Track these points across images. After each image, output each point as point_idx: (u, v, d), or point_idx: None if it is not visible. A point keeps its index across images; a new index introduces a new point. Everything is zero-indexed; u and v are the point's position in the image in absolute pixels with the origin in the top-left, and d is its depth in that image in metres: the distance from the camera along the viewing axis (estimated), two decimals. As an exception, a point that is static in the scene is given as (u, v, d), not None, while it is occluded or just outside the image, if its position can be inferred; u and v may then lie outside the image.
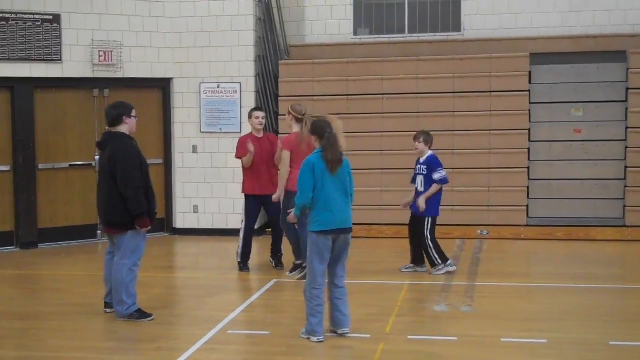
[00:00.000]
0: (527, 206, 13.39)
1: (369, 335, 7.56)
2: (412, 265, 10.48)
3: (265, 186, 10.58)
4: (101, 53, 13.08)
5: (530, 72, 13.45)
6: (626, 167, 13.15)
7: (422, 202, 10.19)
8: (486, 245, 12.60)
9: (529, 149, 13.42)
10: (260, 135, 10.74)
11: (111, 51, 13.16)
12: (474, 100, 13.46)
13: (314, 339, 7.40)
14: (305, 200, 7.39)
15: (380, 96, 13.63)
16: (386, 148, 13.54)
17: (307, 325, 7.50)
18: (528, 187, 13.39)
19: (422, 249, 10.39)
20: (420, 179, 10.32)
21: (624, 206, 13.14)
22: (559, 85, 13.47)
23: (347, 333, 7.52)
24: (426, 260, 10.39)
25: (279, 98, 13.89)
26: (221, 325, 7.98)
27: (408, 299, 9.13)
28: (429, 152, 10.33)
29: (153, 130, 13.88)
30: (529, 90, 13.41)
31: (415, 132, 10.65)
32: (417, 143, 10.32)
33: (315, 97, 13.70)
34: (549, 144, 13.50)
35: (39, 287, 10.61)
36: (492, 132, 13.35)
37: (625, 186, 13.13)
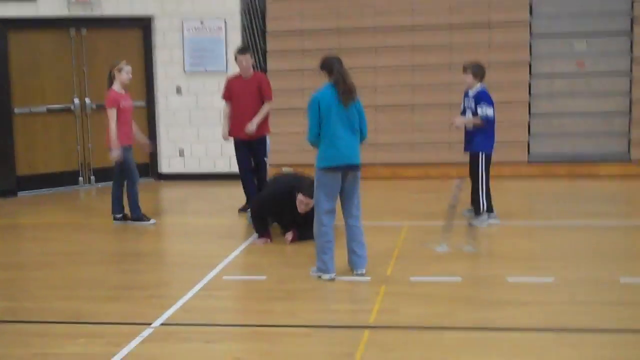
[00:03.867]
0: (528, 143, 13.40)
1: (369, 278, 7.58)
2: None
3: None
4: (77, -10, 12.89)
5: (530, 4, 13.34)
6: (631, 100, 13.15)
7: (459, 120, 9.96)
8: (486, 185, 12.59)
9: (529, 83, 13.38)
10: (249, 74, 10.64)
11: (88, -13, 12.98)
12: (472, 34, 13.37)
13: (325, 276, 7.55)
14: (311, 138, 7.54)
15: (374, 29, 13.50)
16: (381, 84, 13.47)
17: (317, 263, 7.62)
18: (529, 123, 13.38)
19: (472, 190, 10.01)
20: (468, 114, 9.94)
21: (629, 141, 13.17)
22: (560, 17, 13.38)
23: (362, 274, 7.63)
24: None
25: (267, 34, 13.75)
26: (215, 271, 7.99)
27: (408, 240, 9.15)
28: (479, 86, 9.89)
29: (134, 71, 13.53)
30: (529, 22, 13.32)
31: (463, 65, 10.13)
32: (465, 75, 9.92)
33: (304, 32, 13.58)
34: (550, 78, 13.46)
35: (20, 236, 10.58)
36: (491, 65, 13.24)
37: (630, 120, 13.14)
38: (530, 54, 13.39)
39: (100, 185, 13.50)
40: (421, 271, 7.83)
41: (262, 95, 10.52)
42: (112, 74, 10.24)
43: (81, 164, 13.53)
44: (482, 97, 9.79)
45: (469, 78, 9.89)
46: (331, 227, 7.60)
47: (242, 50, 10.61)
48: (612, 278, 7.42)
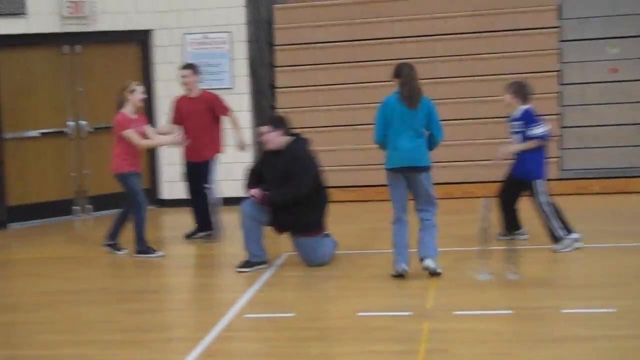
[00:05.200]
0: (560, 157, 13.01)
1: (409, 313, 7.17)
2: (508, 233, 9.63)
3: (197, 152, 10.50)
4: (71, 4, 12.52)
5: (559, 6, 12.99)
6: (670, 108, 12.79)
7: (504, 149, 9.40)
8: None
9: (559, 93, 13.01)
10: (194, 93, 10.54)
11: (82, 1, 12.60)
12: (497, 41, 13.02)
13: (392, 271, 8.25)
14: (376, 139, 8.32)
15: (391, 40, 13.13)
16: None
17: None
18: (560, 136, 13.00)
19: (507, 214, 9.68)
20: (514, 140, 9.38)
21: (667, 153, 12.80)
22: (591, 19, 13.04)
23: (428, 265, 8.19)
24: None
25: (275, 47, 13.38)
26: (236, 308, 7.56)
27: (443, 268, 8.70)
28: (523, 106, 9.35)
29: (132, 89, 13.36)
30: (558, 27, 12.97)
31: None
32: (506, 94, 9.35)
33: (316, 45, 13.21)
34: (581, 86, 13.10)
35: (14, 273, 10.12)
36: (518, 75, 12.89)
37: (669, 130, 12.77)
38: (560, 61, 13.00)
39: (97, 214, 13.06)
40: (465, 303, 7.41)
41: (215, 112, 10.49)
42: (122, 97, 9.84)
43: (77, 192, 13.09)
44: (526, 118, 9.28)
45: (508, 98, 9.39)
46: (398, 224, 8.29)
47: (184, 66, 10.78)
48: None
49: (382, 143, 8.25)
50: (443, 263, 8.83)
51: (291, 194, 8.65)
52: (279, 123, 8.95)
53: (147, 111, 13.33)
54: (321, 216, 8.95)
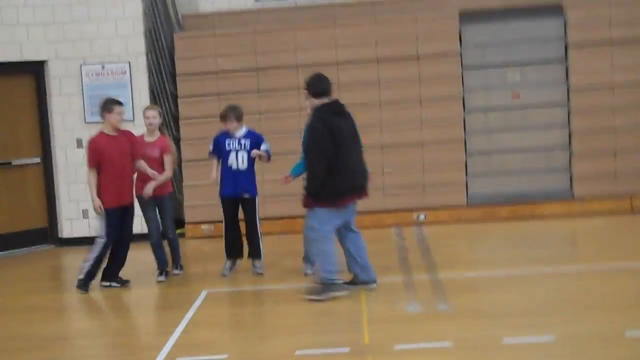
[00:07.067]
0: (466, 184, 13.03)
1: (347, 349, 6.90)
2: None
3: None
4: (-41, 34, 11.91)
5: (460, 33, 13.04)
6: (570, 133, 12.96)
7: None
8: (426, 231, 12.16)
9: (464, 119, 13.04)
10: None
11: (-30, 32, 12.00)
12: (401, 67, 12.96)
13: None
14: None
15: (295, 68, 12.92)
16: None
17: None
18: (466, 163, 13.03)
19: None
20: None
21: (570, 176, 12.95)
22: (492, 46, 13.14)
23: None
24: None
25: (177, 77, 13.01)
26: (164, 351, 7.14)
27: (372, 301, 8.50)
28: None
29: (27, 123, 12.76)
30: (460, 54, 13.01)
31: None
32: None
33: (219, 74, 12.90)
34: (485, 112, 13.17)
35: None
36: (423, 102, 12.90)
37: (571, 153, 12.93)
38: (463, 87, 13.04)
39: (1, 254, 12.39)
40: (402, 337, 7.20)
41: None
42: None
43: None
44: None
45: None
46: None
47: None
48: (616, 331, 6.96)
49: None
50: (370, 295, 8.67)
51: (311, 179, 8.51)
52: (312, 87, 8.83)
53: (43, 144, 12.82)
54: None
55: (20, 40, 12.51)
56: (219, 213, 10.09)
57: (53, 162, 12.87)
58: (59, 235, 12.97)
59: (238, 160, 9.77)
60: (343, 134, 8.44)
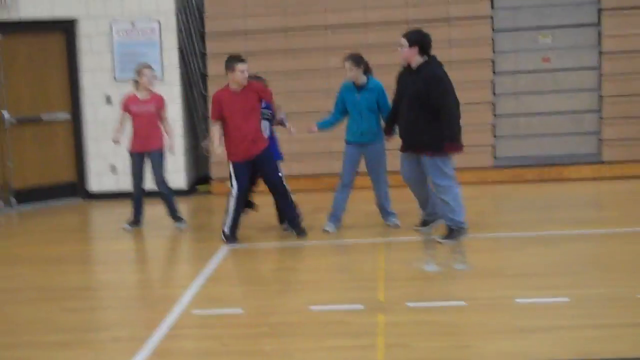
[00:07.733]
0: (493, 146, 12.98)
1: (362, 306, 6.95)
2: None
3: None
4: (-8, -9, 12.01)
5: (492, -3, 12.95)
6: (600, 96, 12.84)
7: None
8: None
9: (492, 81, 12.96)
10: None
11: (4, -11, 12.10)
12: (430, 30, 12.76)
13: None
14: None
15: (324, 29, 12.90)
16: (334, 87, 12.83)
17: None
18: (493, 125, 12.96)
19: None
20: None
21: (599, 140, 12.85)
22: (523, 9, 13.01)
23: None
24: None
25: (206, 36, 13.04)
26: (182, 305, 7.25)
27: (390, 260, 8.54)
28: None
29: (57, 80, 12.88)
30: (491, 17, 12.91)
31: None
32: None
33: (248, 34, 12.90)
34: (514, 75, 13.07)
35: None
36: (452, 64, 12.77)
37: (600, 118, 12.82)
38: (493, 50, 12.95)
39: (22, 208, 12.57)
40: (417, 295, 7.25)
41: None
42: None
43: (0, 186, 12.57)
44: None
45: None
46: None
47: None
48: (631, 294, 6.95)
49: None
50: (387, 255, 8.72)
51: (447, 122, 8.98)
52: (414, 40, 9.14)
53: (73, 101, 12.94)
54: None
55: (52, -2, 12.64)
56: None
57: (82, 118, 13.00)
58: (88, 189, 13.13)
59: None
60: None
